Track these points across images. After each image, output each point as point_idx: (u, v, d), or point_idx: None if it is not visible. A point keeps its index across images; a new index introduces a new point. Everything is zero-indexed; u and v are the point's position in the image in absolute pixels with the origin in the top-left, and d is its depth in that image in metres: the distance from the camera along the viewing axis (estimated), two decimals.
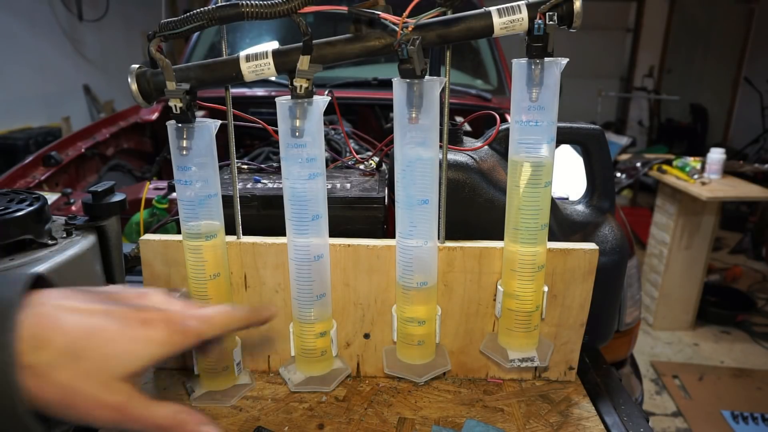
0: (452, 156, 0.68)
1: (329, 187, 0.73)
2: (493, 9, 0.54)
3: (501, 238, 0.64)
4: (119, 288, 0.38)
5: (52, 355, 0.30)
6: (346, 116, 1.66)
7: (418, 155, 0.56)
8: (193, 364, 0.66)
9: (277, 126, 0.58)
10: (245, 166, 0.83)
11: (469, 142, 0.75)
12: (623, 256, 0.73)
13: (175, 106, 0.54)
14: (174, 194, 0.96)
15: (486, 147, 0.73)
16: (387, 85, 1.29)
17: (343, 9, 0.54)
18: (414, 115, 0.55)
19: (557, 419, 0.62)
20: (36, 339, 0.30)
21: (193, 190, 0.58)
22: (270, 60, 0.55)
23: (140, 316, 0.34)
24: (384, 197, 0.71)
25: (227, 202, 0.63)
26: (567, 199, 0.88)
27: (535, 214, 0.59)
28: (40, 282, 0.34)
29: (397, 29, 0.53)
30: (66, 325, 0.31)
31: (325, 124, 0.84)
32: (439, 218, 0.63)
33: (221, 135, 0.60)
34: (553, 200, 0.69)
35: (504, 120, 0.72)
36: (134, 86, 0.57)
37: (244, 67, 0.56)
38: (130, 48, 4.33)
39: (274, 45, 0.57)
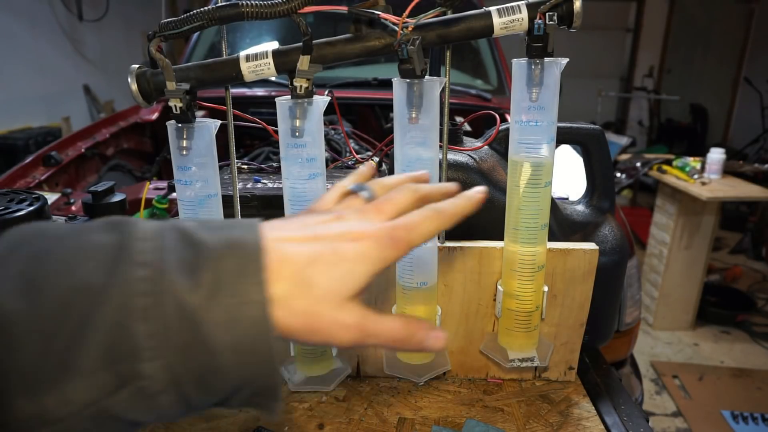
0: (452, 156, 0.68)
1: (329, 187, 0.73)
2: (493, 9, 0.54)
3: (501, 238, 0.64)
4: (315, 211, 0.39)
5: (288, 285, 0.31)
6: (346, 116, 1.66)
7: (418, 155, 0.56)
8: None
9: (277, 126, 0.58)
10: (245, 166, 0.83)
11: (469, 142, 0.75)
12: (623, 256, 0.73)
13: (175, 106, 0.54)
14: (174, 194, 0.95)
15: (486, 147, 0.73)
16: (387, 85, 1.29)
17: (343, 9, 0.54)
18: (414, 115, 0.55)
19: (557, 419, 0.62)
20: (272, 272, 0.31)
21: (193, 190, 0.58)
22: (270, 60, 0.55)
23: (349, 235, 0.34)
24: None
25: (227, 202, 0.63)
26: (567, 199, 0.88)
27: (535, 214, 0.59)
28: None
29: (397, 29, 0.53)
30: (291, 256, 0.32)
31: (325, 124, 0.84)
32: None
33: (221, 135, 0.60)
34: (553, 200, 0.69)
35: (504, 120, 0.72)
36: (134, 86, 0.57)
37: (244, 67, 0.56)
38: (130, 48, 4.33)
39: (274, 45, 0.57)
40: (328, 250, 0.33)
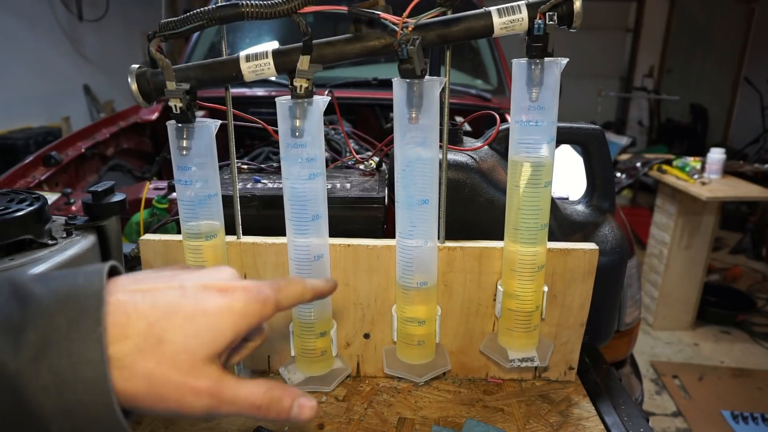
0: (452, 156, 0.68)
1: (329, 187, 0.73)
2: (493, 9, 0.54)
3: (501, 238, 0.64)
4: (186, 264, 0.37)
5: (135, 342, 0.28)
6: (346, 116, 1.66)
7: (418, 155, 0.56)
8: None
9: (277, 126, 0.58)
10: (245, 166, 0.83)
11: (469, 142, 0.75)
12: (623, 256, 0.73)
13: (175, 106, 0.54)
14: (174, 194, 0.96)
15: (486, 147, 0.73)
16: (387, 85, 1.29)
17: (343, 9, 0.55)
18: (414, 115, 0.55)
19: (557, 419, 0.62)
20: (117, 328, 0.28)
21: (193, 190, 0.58)
22: (270, 60, 0.55)
23: (217, 285, 0.32)
24: (384, 197, 0.71)
25: (227, 202, 0.63)
26: (567, 199, 0.88)
27: (535, 214, 0.59)
28: (112, 271, 0.32)
29: (397, 29, 0.53)
30: (144, 309, 0.29)
31: (325, 124, 0.84)
32: (439, 218, 0.63)
33: (221, 135, 0.60)
34: (553, 200, 0.69)
35: (504, 120, 0.72)
36: (134, 86, 0.57)
37: (244, 67, 0.56)
38: (130, 48, 4.33)
39: (274, 45, 0.57)
40: (190, 302, 0.30)
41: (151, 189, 1.05)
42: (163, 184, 1.10)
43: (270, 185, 0.74)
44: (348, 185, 0.75)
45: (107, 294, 0.28)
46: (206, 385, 0.30)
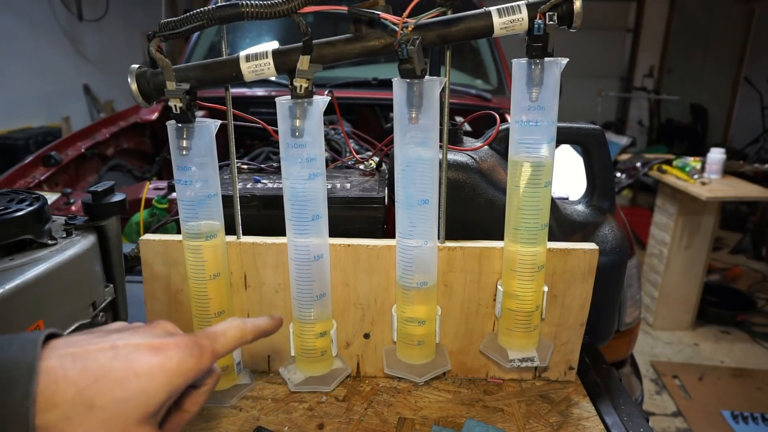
0: (452, 156, 0.68)
1: (329, 187, 0.73)
2: (493, 9, 0.54)
3: (501, 238, 0.64)
4: (125, 324, 0.36)
5: (63, 411, 0.28)
6: (346, 116, 1.66)
7: (418, 155, 0.56)
8: None
9: (277, 126, 0.58)
10: (245, 166, 0.83)
11: (469, 142, 0.75)
12: (623, 256, 0.73)
13: (175, 106, 0.54)
14: (174, 194, 0.96)
15: (486, 147, 0.73)
16: (387, 85, 1.29)
17: (343, 9, 0.55)
18: (414, 115, 0.55)
19: (557, 419, 0.62)
20: (46, 397, 0.27)
21: (193, 190, 0.58)
22: (270, 60, 0.55)
23: (149, 344, 0.32)
24: (384, 197, 0.71)
25: (227, 202, 0.63)
26: (567, 199, 0.88)
27: (535, 214, 0.59)
28: (51, 335, 0.32)
29: (397, 29, 0.53)
30: (73, 375, 0.29)
31: (325, 124, 0.84)
32: (439, 218, 0.63)
33: (221, 135, 0.60)
34: (553, 200, 0.69)
35: (504, 120, 0.72)
36: (134, 86, 0.57)
37: (244, 67, 0.56)
38: (130, 48, 4.33)
39: (274, 45, 0.57)
40: (121, 363, 0.30)
41: (151, 189, 1.05)
42: (163, 184, 1.10)
43: (270, 185, 0.74)
44: (348, 185, 0.75)
45: (40, 361, 0.28)
46: None
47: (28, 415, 0.26)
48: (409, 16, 0.53)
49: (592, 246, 0.65)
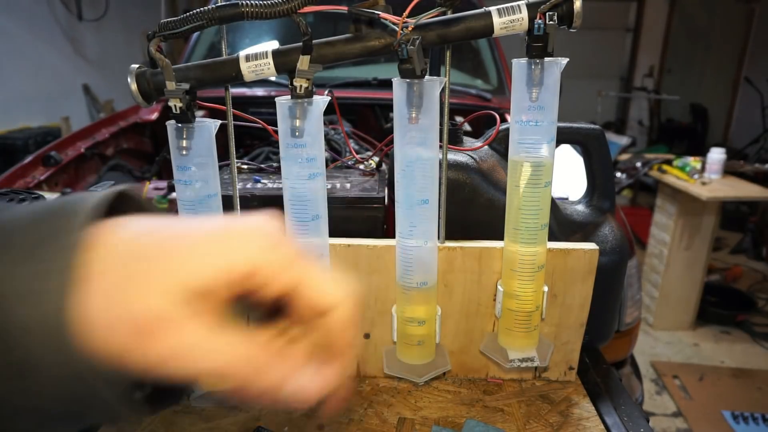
0: (452, 156, 0.68)
1: (329, 187, 0.73)
2: (493, 9, 0.54)
3: (501, 238, 0.64)
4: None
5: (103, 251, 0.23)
6: (346, 116, 1.66)
7: (418, 155, 0.56)
8: None
9: (277, 126, 0.58)
10: (245, 166, 0.83)
11: (469, 142, 0.74)
12: (623, 256, 0.73)
13: (175, 106, 0.54)
14: (174, 194, 0.95)
15: (486, 147, 0.73)
16: (387, 85, 1.29)
17: (343, 9, 0.54)
18: (414, 115, 0.55)
19: (557, 419, 0.62)
20: (93, 238, 0.23)
21: (193, 190, 0.58)
22: (270, 60, 0.55)
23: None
24: (384, 197, 0.71)
25: (227, 202, 0.63)
26: (567, 199, 0.88)
27: (535, 214, 0.59)
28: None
29: (397, 29, 0.53)
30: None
31: (325, 124, 0.84)
32: (439, 218, 0.63)
33: (221, 135, 0.60)
34: (553, 200, 0.69)
35: (504, 120, 0.72)
36: (134, 86, 0.57)
37: (244, 67, 0.56)
38: (130, 48, 4.32)
39: (274, 45, 0.56)
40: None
41: (151, 189, 1.05)
42: (163, 184, 1.10)
43: (270, 185, 0.74)
44: (348, 185, 0.75)
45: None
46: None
47: (75, 244, 0.22)
48: (409, 16, 0.53)
49: (592, 246, 0.65)
